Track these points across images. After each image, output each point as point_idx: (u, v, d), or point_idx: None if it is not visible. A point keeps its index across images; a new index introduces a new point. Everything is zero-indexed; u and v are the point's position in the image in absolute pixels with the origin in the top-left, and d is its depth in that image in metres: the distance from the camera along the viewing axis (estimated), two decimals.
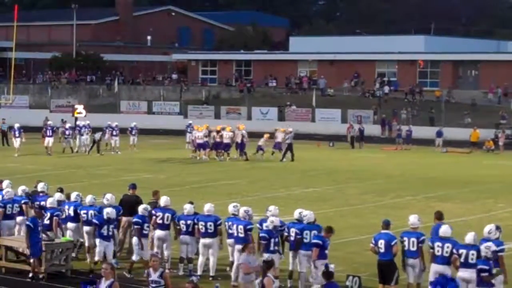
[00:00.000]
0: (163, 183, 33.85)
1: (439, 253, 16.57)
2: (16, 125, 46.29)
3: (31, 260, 19.17)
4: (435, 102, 66.34)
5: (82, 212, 20.68)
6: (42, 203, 20.78)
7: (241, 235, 18.51)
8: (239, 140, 44.69)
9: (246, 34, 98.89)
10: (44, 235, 19.41)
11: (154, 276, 15.00)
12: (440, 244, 16.58)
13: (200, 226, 19.18)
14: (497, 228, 16.31)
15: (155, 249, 19.39)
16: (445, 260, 16.48)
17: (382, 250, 17.09)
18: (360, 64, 76.29)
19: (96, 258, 19.32)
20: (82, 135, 47.76)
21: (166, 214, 19.75)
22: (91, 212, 20.52)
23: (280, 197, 31.33)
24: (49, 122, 48.08)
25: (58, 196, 21.30)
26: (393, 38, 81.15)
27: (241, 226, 18.55)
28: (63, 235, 20.30)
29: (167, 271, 17.19)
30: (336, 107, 65.76)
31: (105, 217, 19.33)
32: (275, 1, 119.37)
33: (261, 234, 17.98)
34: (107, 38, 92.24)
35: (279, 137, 45.50)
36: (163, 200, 20.07)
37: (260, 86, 77.84)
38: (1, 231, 20.46)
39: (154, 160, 44.05)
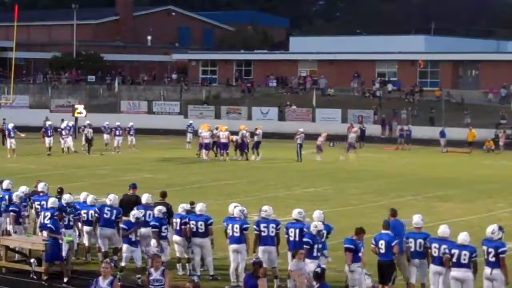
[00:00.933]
0: (164, 183, 33.85)
1: (436, 254, 16.62)
2: (10, 125, 45.69)
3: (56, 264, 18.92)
4: (435, 102, 66.34)
5: (82, 212, 20.69)
6: (48, 204, 20.66)
7: (236, 235, 18.47)
8: (240, 140, 44.93)
9: (246, 34, 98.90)
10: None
11: (156, 275, 15.02)
12: (437, 245, 16.61)
13: (192, 226, 19.13)
14: (500, 228, 16.32)
15: (196, 257, 19.19)
16: (442, 261, 16.54)
17: (382, 251, 17.10)
18: (360, 64, 76.28)
19: (123, 264, 18.93)
20: (69, 136, 47.46)
21: (200, 222, 19.19)
22: (91, 212, 20.56)
23: (280, 197, 31.34)
24: (48, 123, 48.11)
25: (68, 197, 20.85)
26: (393, 38, 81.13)
27: (236, 226, 18.50)
28: (79, 235, 20.14)
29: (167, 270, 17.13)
30: (336, 107, 65.79)
31: (133, 221, 18.95)
32: (275, 1, 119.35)
33: (304, 239, 17.46)
34: (107, 38, 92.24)
35: (319, 140, 45.51)
36: (198, 207, 19.49)
37: (260, 86, 77.88)
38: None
39: (154, 160, 44.05)
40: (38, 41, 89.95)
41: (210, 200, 28.11)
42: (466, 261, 16.03)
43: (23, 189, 21.96)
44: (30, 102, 71.31)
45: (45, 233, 19.91)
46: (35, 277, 19.08)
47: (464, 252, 16.06)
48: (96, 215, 20.33)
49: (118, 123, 48.81)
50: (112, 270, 15.04)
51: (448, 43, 79.96)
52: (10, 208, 20.98)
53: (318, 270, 14.44)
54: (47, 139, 46.35)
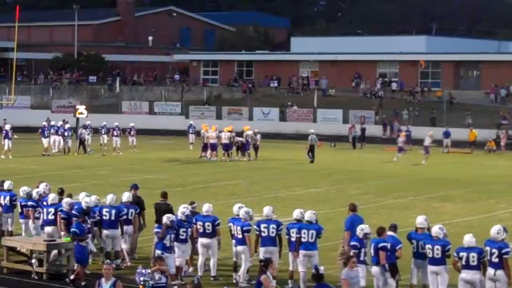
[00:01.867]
0: (165, 183, 33.83)
1: (430, 255, 16.60)
2: (7, 126, 45.22)
3: (75, 267, 18.74)
4: (437, 103, 66.32)
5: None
6: (49, 201, 20.66)
7: (239, 236, 18.48)
8: (244, 140, 45.02)
9: (247, 34, 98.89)
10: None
11: (106, 286, 14.64)
12: (430, 246, 16.60)
13: (199, 226, 19.05)
14: (504, 229, 16.29)
15: (200, 257, 19.09)
16: (436, 261, 16.51)
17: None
18: (362, 64, 76.33)
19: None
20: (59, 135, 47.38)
21: (207, 222, 19.02)
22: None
23: (282, 197, 31.33)
24: (49, 123, 48.08)
25: (92, 199, 20.48)
26: (394, 39, 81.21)
27: (238, 227, 18.51)
28: (93, 237, 20.04)
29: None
30: (338, 108, 65.80)
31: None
32: (276, 1, 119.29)
33: (351, 243, 17.24)
34: (108, 38, 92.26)
35: (427, 141, 45.57)
36: (204, 208, 19.30)
37: (262, 87, 77.87)
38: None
39: (155, 161, 44.04)
40: (39, 41, 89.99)
41: (211, 200, 28.06)
42: (475, 263, 15.94)
43: (25, 189, 21.94)
44: (31, 102, 71.34)
45: (47, 229, 19.92)
46: (36, 277, 19.07)
47: (472, 254, 15.97)
48: (98, 216, 20.26)
49: (116, 124, 48.63)
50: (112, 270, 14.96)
51: (449, 43, 79.99)
52: (29, 203, 21.09)
53: (320, 269, 14.36)
54: (44, 140, 46.34)
